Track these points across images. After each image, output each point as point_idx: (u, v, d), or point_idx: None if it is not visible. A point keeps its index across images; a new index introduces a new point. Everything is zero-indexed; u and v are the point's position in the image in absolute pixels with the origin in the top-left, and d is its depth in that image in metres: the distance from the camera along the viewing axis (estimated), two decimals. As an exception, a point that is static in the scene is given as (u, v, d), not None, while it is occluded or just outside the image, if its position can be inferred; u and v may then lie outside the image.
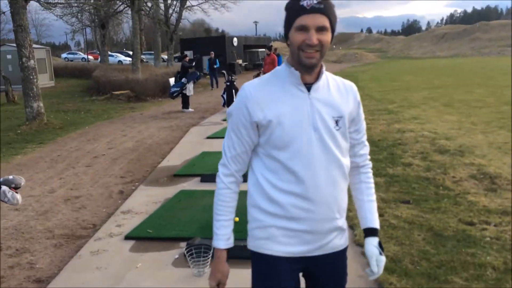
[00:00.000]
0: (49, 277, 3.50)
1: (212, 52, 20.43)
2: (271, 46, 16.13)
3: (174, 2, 27.89)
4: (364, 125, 1.70)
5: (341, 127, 1.57)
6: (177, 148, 7.99)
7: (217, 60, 20.73)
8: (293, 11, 1.47)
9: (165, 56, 33.83)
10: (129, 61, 32.44)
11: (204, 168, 6.24)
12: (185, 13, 29.30)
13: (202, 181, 5.74)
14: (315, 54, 1.47)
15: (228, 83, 12.48)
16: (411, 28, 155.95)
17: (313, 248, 1.58)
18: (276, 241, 1.57)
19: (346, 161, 1.61)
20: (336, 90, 1.60)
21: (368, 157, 1.74)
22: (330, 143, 1.54)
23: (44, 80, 23.16)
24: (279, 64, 17.22)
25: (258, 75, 17.25)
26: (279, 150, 1.52)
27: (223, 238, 1.63)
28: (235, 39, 31.06)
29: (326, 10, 1.45)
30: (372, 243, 1.63)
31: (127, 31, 67.53)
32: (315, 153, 1.52)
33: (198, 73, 13.65)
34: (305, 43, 1.44)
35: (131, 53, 26.74)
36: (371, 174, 1.74)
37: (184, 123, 10.86)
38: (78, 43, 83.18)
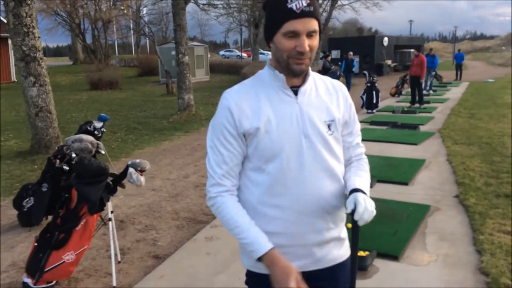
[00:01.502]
0: (166, 255, 3.82)
1: (351, 53, 19.20)
2: (421, 46, 15.08)
3: (325, 2, 27.89)
4: (358, 126, 1.56)
5: (333, 131, 1.45)
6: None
7: (354, 62, 18.86)
8: (280, 13, 1.32)
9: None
10: (278, 59, 33.44)
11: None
12: (335, 13, 29.13)
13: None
14: (306, 60, 1.36)
15: (368, 84, 12.06)
16: None
17: (309, 262, 1.47)
18: None
19: (340, 168, 1.48)
20: (325, 92, 1.49)
21: (364, 155, 1.63)
22: (323, 151, 1.42)
23: (200, 75, 25.40)
24: (431, 66, 16.06)
25: (404, 77, 16.36)
26: (267, 162, 1.40)
27: (263, 239, 1.37)
28: (385, 39, 29.81)
29: (315, 12, 1.33)
30: (354, 196, 1.38)
31: (280, 30, 69.70)
32: (306, 163, 1.40)
33: (339, 73, 13.47)
34: (295, 50, 1.32)
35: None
36: (364, 162, 1.60)
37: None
38: (236, 42, 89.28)
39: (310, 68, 1.45)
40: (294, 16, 1.30)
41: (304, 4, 1.30)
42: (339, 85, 1.54)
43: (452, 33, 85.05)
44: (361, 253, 3.49)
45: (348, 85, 19.58)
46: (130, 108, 14.10)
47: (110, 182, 3.34)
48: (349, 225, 1.44)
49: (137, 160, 3.44)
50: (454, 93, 16.91)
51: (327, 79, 1.55)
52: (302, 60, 1.35)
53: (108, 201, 3.34)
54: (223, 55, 53.41)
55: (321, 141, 1.42)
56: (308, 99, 1.44)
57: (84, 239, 3.26)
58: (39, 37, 7.12)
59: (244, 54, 49.38)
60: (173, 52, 23.54)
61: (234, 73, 27.60)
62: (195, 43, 28.13)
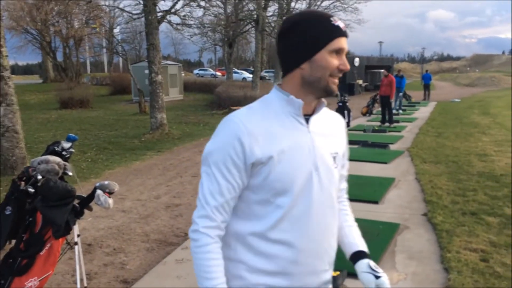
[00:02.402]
0: (134, 279, 3.73)
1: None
2: (391, 67, 15.49)
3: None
4: (347, 155, 1.54)
5: (338, 165, 1.40)
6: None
7: None
8: (327, 30, 1.28)
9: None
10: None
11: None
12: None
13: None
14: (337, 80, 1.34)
15: (340, 104, 12.27)
16: None
17: None
18: None
19: (338, 205, 1.45)
20: (331, 123, 1.45)
21: (345, 191, 1.61)
22: (328, 185, 1.36)
23: (174, 94, 25.30)
24: (399, 86, 16.50)
25: (375, 97, 16.73)
26: (277, 195, 1.28)
27: None
28: (356, 59, 30.55)
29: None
30: (363, 269, 1.44)
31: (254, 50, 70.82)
32: (315, 198, 1.32)
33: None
34: (339, 68, 1.29)
35: (254, 70, 27.82)
36: (347, 203, 1.60)
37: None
38: (211, 61, 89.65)
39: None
40: (340, 34, 1.28)
41: (342, 24, 1.30)
42: (338, 116, 1.51)
43: (420, 54, 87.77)
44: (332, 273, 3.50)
45: None
46: (101, 127, 13.90)
47: (77, 205, 3.27)
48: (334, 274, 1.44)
49: (106, 182, 3.38)
50: (423, 113, 17.39)
51: (326, 109, 1.49)
52: (337, 79, 1.33)
53: (74, 224, 3.26)
54: (197, 74, 53.49)
55: (328, 175, 1.35)
56: (318, 129, 1.36)
57: (49, 264, 3.16)
58: (6, 55, 6.98)
59: (218, 73, 49.60)
60: (146, 71, 23.41)
61: (208, 91, 27.64)
62: (168, 62, 28.10)
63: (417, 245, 4.25)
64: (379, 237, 4.41)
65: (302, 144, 1.30)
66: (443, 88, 38.76)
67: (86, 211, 3.37)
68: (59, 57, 37.18)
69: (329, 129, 1.41)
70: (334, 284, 3.45)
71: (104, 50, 45.39)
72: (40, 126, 14.56)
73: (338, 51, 1.28)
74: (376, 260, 3.87)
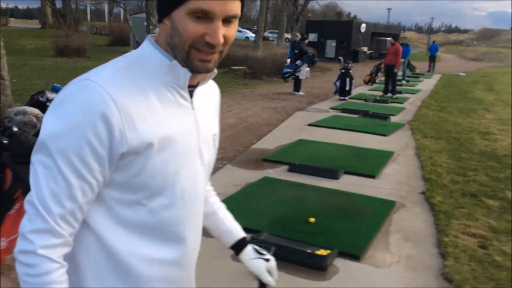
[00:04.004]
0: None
1: (297, 34, 15.41)
2: (398, 35, 14.95)
3: (306, -18, 27.45)
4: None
5: (217, 147, 1.13)
6: (276, 131, 7.77)
7: (301, 44, 13.55)
8: None
9: (289, 36, 33.79)
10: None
11: (296, 157, 5.91)
12: (315, -6, 28.77)
13: (289, 170, 5.44)
14: (215, 56, 0.93)
15: (343, 70, 11.88)
16: None
17: None
18: None
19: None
20: (210, 95, 1.13)
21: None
22: (207, 175, 1.10)
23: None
24: (403, 55, 15.99)
25: (379, 65, 16.27)
26: (153, 195, 0.94)
27: None
28: (363, 25, 29.74)
29: None
30: (251, 256, 1.31)
31: (259, 9, 68.98)
32: (199, 197, 1.06)
33: (316, 58, 13.21)
34: (204, 40, 0.89)
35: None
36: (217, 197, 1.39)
37: (291, 106, 10.60)
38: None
39: None
40: None
41: None
42: (215, 86, 1.18)
43: (428, 24, 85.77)
44: (322, 252, 3.31)
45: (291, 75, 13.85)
46: (96, 79, 13.47)
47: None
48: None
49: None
50: (426, 85, 17.00)
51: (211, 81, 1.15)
52: (211, 55, 0.92)
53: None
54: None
55: (211, 163, 1.10)
56: (202, 105, 1.04)
57: (18, 225, 2.93)
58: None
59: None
60: (146, 23, 22.75)
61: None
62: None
63: (413, 225, 4.04)
64: (374, 214, 4.20)
65: (186, 126, 0.98)
66: (448, 61, 38.06)
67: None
68: (58, 3, 36.10)
69: (210, 104, 1.10)
70: (323, 263, 3.27)
71: (105, -2, 44.04)
72: (33, 73, 14.14)
73: (202, 14, 0.87)
74: (370, 238, 3.67)
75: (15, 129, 3.37)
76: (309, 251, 3.31)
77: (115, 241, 0.94)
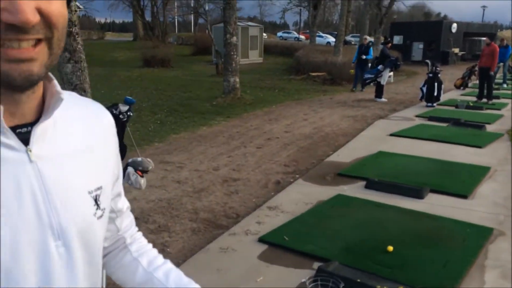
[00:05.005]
0: (171, 266, 3.34)
1: (366, 36, 14.44)
2: (494, 35, 13.59)
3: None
4: (120, 172, 0.85)
5: (104, 208, 0.73)
6: (353, 142, 7.25)
7: (370, 48, 13.67)
8: None
9: (373, 40, 32.59)
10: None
11: (375, 172, 5.40)
12: (400, -5, 27.42)
13: (366, 187, 4.95)
14: (37, 50, 0.58)
15: (430, 74, 10.97)
16: None
17: None
18: None
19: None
20: (85, 127, 0.73)
21: (136, 227, 1.00)
22: (83, 254, 0.69)
23: (254, 56, 24.83)
24: (502, 58, 14.49)
25: (473, 68, 14.90)
26: None
27: None
28: (454, 25, 27.73)
29: None
30: None
31: (341, 13, 67.64)
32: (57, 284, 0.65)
33: (399, 63, 12.39)
34: (2, 20, 0.54)
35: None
36: (149, 245, 1.00)
37: (372, 114, 9.96)
38: (296, 23, 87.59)
39: (54, 79, 0.68)
40: None
41: None
42: (102, 111, 0.80)
43: (529, 21, 78.18)
44: (400, 290, 2.84)
45: (356, 80, 13.90)
46: (176, 88, 13.83)
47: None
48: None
49: (139, 159, 2.96)
50: (529, 88, 15.26)
51: (83, 100, 0.79)
52: (27, 49, 0.57)
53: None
54: (280, 36, 52.36)
55: (85, 240, 0.69)
56: (55, 150, 0.67)
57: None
58: (76, 10, 6.80)
59: (302, 36, 48.08)
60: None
61: (289, 55, 26.74)
62: (250, 23, 27.52)
63: (515, 260, 3.40)
64: (466, 244, 3.61)
65: (17, 190, 0.61)
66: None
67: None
68: (147, 16, 38.14)
69: (83, 141, 0.72)
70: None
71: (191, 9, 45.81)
72: (120, 83, 14.87)
73: None
74: (461, 274, 3.12)
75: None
76: (385, 288, 2.86)
77: None
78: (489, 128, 8.39)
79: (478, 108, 10.70)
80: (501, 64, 14.82)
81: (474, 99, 12.01)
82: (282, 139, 7.42)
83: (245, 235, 3.80)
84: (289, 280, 3.09)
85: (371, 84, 12.24)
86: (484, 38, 12.77)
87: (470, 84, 15.10)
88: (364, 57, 13.49)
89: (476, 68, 13.55)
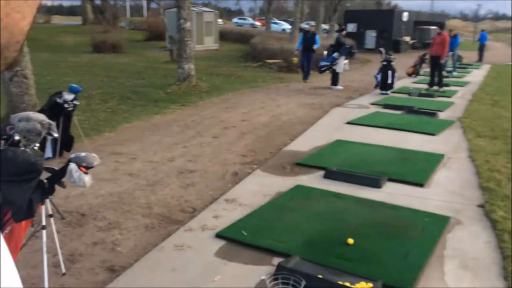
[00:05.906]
0: (122, 267, 3.12)
1: (312, 22, 14.99)
2: (443, 24, 13.92)
3: (345, -29, 26.41)
4: None
5: None
6: (311, 130, 7.19)
7: (316, 37, 12.98)
8: None
9: (327, 27, 32.80)
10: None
11: (333, 161, 5.35)
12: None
13: (325, 176, 4.88)
14: None
15: (384, 63, 11.10)
16: None
17: None
18: None
19: None
20: None
21: None
22: None
23: (209, 43, 24.35)
24: (452, 46, 14.93)
25: (423, 56, 15.26)
26: None
27: None
28: (405, 14, 28.37)
29: None
30: None
31: None
32: None
33: (354, 50, 12.47)
34: None
35: (294, 21, 26.32)
36: None
37: (328, 101, 9.96)
38: (252, 9, 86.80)
39: None
40: None
41: None
42: None
43: (474, 11, 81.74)
44: (362, 285, 2.77)
45: (307, 70, 13.37)
46: (129, 75, 13.28)
47: (45, 181, 2.61)
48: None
49: (82, 154, 2.70)
50: (475, 76, 15.84)
51: None
52: None
53: (42, 204, 2.62)
54: (235, 22, 51.78)
55: None
56: None
57: (10, 250, 2.56)
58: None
59: (258, 23, 47.75)
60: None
61: (245, 42, 26.46)
62: (205, 8, 26.94)
63: (472, 249, 3.42)
64: (424, 233, 3.61)
65: None
66: (497, 49, 35.85)
67: (58, 187, 2.72)
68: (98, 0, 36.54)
69: None
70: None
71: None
72: (68, 70, 14.10)
73: None
74: (421, 266, 3.09)
75: (17, 137, 3.01)
76: (347, 284, 2.77)
77: None
78: (441, 115, 8.58)
79: (429, 96, 10.94)
80: (450, 53, 15.27)
81: (426, 86, 12.30)
82: (239, 128, 7.24)
83: (202, 231, 3.62)
84: (248, 278, 2.95)
85: (327, 71, 12.25)
86: (434, 27, 13.04)
87: (421, 72, 15.48)
88: (314, 46, 12.95)
89: (427, 57, 13.88)
